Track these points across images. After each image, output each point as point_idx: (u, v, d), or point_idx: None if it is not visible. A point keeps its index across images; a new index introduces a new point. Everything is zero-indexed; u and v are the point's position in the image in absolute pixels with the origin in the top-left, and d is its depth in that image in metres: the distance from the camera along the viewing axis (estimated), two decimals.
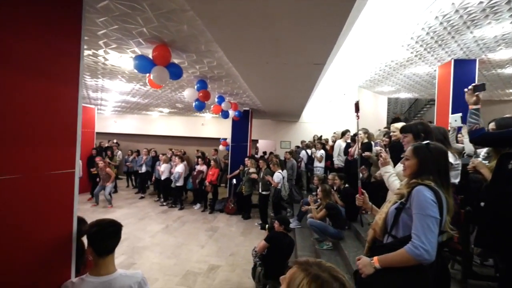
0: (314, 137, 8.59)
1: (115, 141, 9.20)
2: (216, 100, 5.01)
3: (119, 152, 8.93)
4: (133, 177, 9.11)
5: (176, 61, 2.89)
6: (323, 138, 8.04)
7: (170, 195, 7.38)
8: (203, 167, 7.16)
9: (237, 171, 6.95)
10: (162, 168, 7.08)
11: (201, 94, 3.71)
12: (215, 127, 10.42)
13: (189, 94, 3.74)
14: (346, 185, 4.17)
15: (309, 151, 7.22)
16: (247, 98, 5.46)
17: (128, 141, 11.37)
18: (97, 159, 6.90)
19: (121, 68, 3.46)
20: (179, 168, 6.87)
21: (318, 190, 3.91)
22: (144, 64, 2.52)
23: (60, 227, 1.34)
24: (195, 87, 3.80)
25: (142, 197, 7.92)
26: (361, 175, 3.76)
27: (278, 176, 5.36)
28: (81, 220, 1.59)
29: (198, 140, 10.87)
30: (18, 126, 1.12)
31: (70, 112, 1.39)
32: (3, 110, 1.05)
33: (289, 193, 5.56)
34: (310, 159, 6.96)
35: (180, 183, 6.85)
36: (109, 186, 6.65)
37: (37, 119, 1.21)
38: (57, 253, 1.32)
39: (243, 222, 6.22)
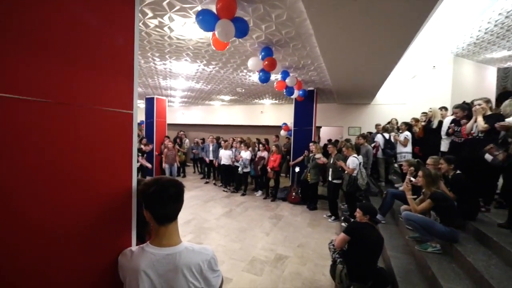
0: (391, 120, 7.19)
1: (181, 132, 9.90)
2: (280, 75, 4.54)
3: (187, 141, 9.55)
4: (198, 164, 9.62)
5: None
6: (400, 122, 6.67)
7: (233, 180, 7.39)
8: (264, 153, 6.86)
9: (300, 158, 6.38)
10: (222, 154, 7.11)
11: (266, 62, 3.29)
12: (274, 114, 10.04)
13: (253, 63, 3.37)
14: (457, 172, 3.09)
15: (386, 134, 6.02)
16: (314, 72, 4.78)
17: (194, 131, 12.16)
18: (166, 141, 7.44)
19: (186, 42, 3.33)
20: (247, 154, 6.74)
21: (418, 176, 3.00)
22: (207, 19, 2.23)
23: (118, 180, 1.08)
24: (260, 56, 3.40)
25: (206, 182, 8.23)
26: (490, 157, 2.70)
27: (354, 161, 4.54)
28: (139, 180, 1.30)
29: (258, 128, 10.72)
30: (66, 37, 0.86)
31: (126, 43, 1.10)
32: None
33: (367, 182, 4.67)
34: (388, 143, 5.79)
35: (247, 169, 6.74)
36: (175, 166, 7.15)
37: (91, 37, 0.95)
38: (116, 212, 1.07)
39: (309, 213, 5.64)
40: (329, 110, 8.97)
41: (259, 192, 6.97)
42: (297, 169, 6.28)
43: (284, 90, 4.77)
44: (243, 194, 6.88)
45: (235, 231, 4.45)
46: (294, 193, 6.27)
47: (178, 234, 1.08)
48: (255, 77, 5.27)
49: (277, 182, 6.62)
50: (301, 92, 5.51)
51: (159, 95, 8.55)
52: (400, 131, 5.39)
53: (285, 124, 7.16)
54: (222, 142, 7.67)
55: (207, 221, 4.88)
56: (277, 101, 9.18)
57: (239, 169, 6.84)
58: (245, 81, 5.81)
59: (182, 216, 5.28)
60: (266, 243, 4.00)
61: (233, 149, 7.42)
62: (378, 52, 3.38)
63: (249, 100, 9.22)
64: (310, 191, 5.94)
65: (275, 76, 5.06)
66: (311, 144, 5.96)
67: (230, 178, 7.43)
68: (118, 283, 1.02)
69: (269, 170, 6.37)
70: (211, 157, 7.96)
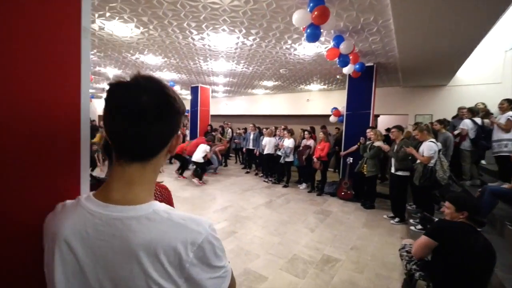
0: (477, 105, 5.53)
1: (225, 122, 9.81)
2: (332, 41, 3.76)
3: (229, 130, 9.40)
4: (240, 154, 9.38)
5: None
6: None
7: (274, 171, 6.85)
8: (310, 142, 6.11)
9: (354, 147, 5.42)
10: (265, 142, 6.60)
11: (316, 12, 2.60)
12: (322, 102, 9.07)
13: (299, 16, 2.72)
14: None
15: (477, 119, 4.60)
16: (377, 36, 3.84)
17: (237, 122, 12.01)
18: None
19: (221, 1, 2.91)
20: (289, 142, 6.13)
21: None
22: None
23: (60, 96, 0.64)
24: (307, 9, 2.73)
25: (247, 172, 7.87)
26: None
27: (431, 147, 3.46)
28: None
29: (303, 118, 9.90)
30: None
31: None
32: None
33: (449, 176, 3.53)
34: (483, 131, 4.39)
35: (290, 158, 6.13)
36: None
37: None
38: (59, 147, 0.63)
39: (364, 211, 4.70)
40: (390, 95, 7.60)
41: (303, 185, 6.26)
42: (349, 160, 5.35)
43: (337, 60, 3.96)
44: (285, 186, 6.27)
45: (274, 223, 3.90)
46: (345, 188, 5.37)
47: (150, 188, 0.58)
48: (300, 50, 4.59)
49: (324, 174, 5.80)
50: (357, 66, 4.59)
51: (203, 83, 8.55)
52: (502, 110, 3.97)
53: (335, 108, 6.25)
54: (264, 129, 7.19)
55: (245, 209, 4.46)
56: (325, 86, 8.22)
57: (281, 158, 6.25)
58: (289, 58, 5.17)
59: (218, 203, 5.03)
60: (310, 240, 3.34)
61: (276, 137, 6.88)
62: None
63: (294, 86, 8.50)
64: (366, 186, 4.97)
65: (325, 46, 4.28)
66: (368, 130, 4.97)
67: (271, 168, 6.90)
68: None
69: (315, 160, 5.61)
70: (251, 146, 7.56)
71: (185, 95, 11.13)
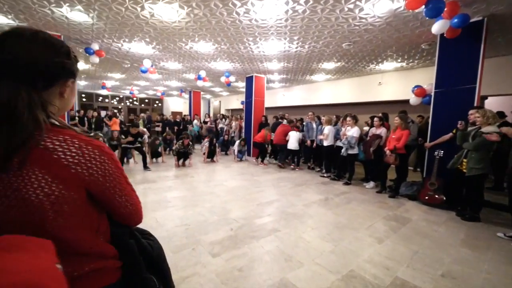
0: None
1: (281, 114, 9.28)
2: None
3: (284, 121, 8.80)
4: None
5: None
6: None
7: (334, 165, 5.92)
8: (381, 130, 4.93)
9: (447, 136, 4.02)
10: (326, 131, 5.72)
11: None
12: (398, 85, 7.38)
13: None
14: None
15: None
16: None
17: (295, 113, 11.27)
18: None
19: None
20: (354, 131, 5.14)
21: None
22: None
23: None
24: None
25: (311, 167, 7.12)
26: None
27: None
28: None
29: (373, 106, 8.36)
30: None
31: None
32: None
33: None
34: None
35: (354, 150, 5.15)
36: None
37: None
38: None
39: (463, 224, 3.37)
40: (506, 68, 5.46)
41: (371, 183, 5.13)
42: (439, 154, 3.99)
43: (423, 9, 2.84)
44: (346, 183, 5.29)
45: (328, 225, 3.16)
46: (431, 190, 4.05)
47: None
48: (368, 9, 3.59)
49: (402, 171, 4.56)
50: (456, 21, 3.25)
51: (257, 72, 8.22)
52: None
53: (418, 87, 4.80)
54: (322, 117, 6.30)
55: (293, 205, 3.85)
56: (403, 63, 6.59)
57: (342, 150, 5.29)
58: (354, 25, 4.19)
59: (264, 196, 4.56)
60: (376, 254, 2.48)
61: (338, 126, 5.92)
62: None
63: (361, 67, 7.18)
64: (467, 189, 3.58)
65: None
66: (472, 111, 3.55)
67: (331, 162, 5.99)
68: None
69: (387, 152, 4.45)
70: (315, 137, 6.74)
71: (242, 88, 11.12)
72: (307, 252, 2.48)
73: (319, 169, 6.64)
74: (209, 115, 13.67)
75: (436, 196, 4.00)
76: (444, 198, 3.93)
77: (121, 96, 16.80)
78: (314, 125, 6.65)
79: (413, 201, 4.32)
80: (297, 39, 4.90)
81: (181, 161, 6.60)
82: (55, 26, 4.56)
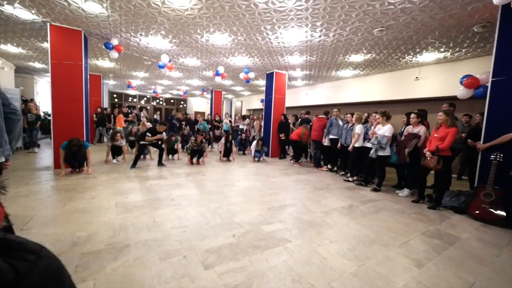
0: None
1: (302, 113, 8.71)
2: None
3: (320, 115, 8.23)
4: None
5: None
6: None
7: (361, 169, 5.24)
8: (419, 128, 4.19)
9: (508, 136, 3.20)
10: (358, 130, 5.06)
11: None
12: (439, 79, 6.40)
13: None
14: None
15: None
16: None
17: (319, 113, 10.59)
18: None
19: None
20: (386, 129, 4.46)
21: None
22: None
23: None
24: None
25: (330, 169, 6.48)
26: None
27: None
28: None
29: (408, 104, 7.41)
30: None
31: None
32: None
33: None
34: None
35: (385, 152, 4.46)
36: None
37: None
38: None
39: None
40: None
41: (405, 191, 4.39)
42: (496, 157, 3.20)
43: None
44: (375, 190, 4.60)
45: (351, 238, 2.61)
46: (486, 203, 3.25)
47: None
48: None
49: (444, 177, 3.79)
50: None
51: (278, 68, 7.78)
52: None
53: (467, 77, 3.95)
54: (349, 115, 5.66)
55: (310, 212, 3.33)
56: (448, 53, 5.66)
57: (371, 152, 4.62)
58: (386, 3, 3.57)
59: (278, 199, 4.08)
60: (415, 283, 1.90)
61: (367, 125, 5.24)
62: None
63: (394, 60, 6.38)
64: None
65: None
66: None
67: (358, 165, 5.31)
68: None
69: (427, 154, 3.72)
70: (337, 135, 6.09)
71: (263, 87, 10.71)
72: (322, 272, 1.98)
73: (342, 172, 5.97)
74: (230, 114, 13.52)
75: (493, 210, 3.20)
76: (504, 214, 3.12)
77: (148, 96, 17.46)
78: (340, 122, 6.01)
79: (460, 214, 3.53)
80: (320, 25, 4.38)
81: (195, 159, 6.39)
82: (75, 20, 4.61)
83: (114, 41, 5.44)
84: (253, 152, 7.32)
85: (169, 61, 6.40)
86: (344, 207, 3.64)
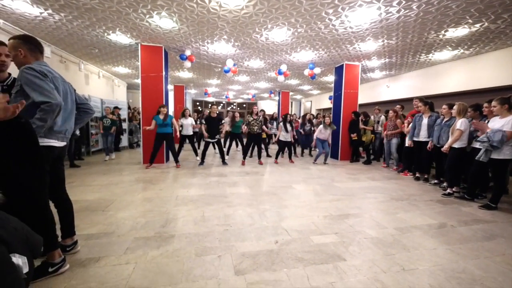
0: None
1: (377, 108, 7.41)
2: None
3: (382, 117, 6.94)
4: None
5: None
6: None
7: (460, 176, 3.92)
8: None
9: None
10: (461, 126, 3.78)
11: None
12: None
13: None
14: None
15: None
16: None
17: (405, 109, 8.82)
18: None
19: None
20: (503, 123, 3.16)
21: None
22: None
23: None
24: None
25: (416, 176, 5.21)
26: None
27: None
28: None
29: None
30: None
31: None
32: None
33: None
34: None
35: (504, 154, 3.17)
36: None
37: None
38: None
39: None
40: None
41: None
42: None
43: None
44: (487, 206, 3.30)
45: (438, 271, 1.87)
46: None
47: None
48: None
49: None
50: None
51: (349, 60, 6.91)
52: None
53: None
54: (445, 107, 4.36)
55: (380, 227, 2.64)
56: None
57: (480, 153, 3.35)
58: None
59: (338, 206, 3.42)
60: None
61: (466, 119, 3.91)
62: None
63: None
64: None
65: None
66: None
67: (459, 170, 4.00)
68: None
69: None
70: (422, 137, 4.83)
71: (331, 84, 9.81)
72: None
73: (436, 181, 4.65)
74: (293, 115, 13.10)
75: None
76: None
77: (223, 102, 19.17)
78: (425, 120, 4.74)
79: None
80: None
81: (249, 159, 6.39)
82: (157, 38, 5.43)
83: (187, 52, 6.12)
84: (315, 137, 6.47)
85: (234, 65, 6.70)
86: (432, 225, 2.73)
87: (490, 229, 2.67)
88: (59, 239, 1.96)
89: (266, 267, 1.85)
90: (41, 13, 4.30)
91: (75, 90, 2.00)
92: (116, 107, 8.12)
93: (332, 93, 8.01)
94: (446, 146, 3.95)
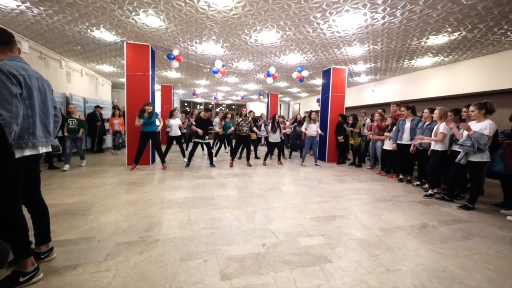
0: None
1: (362, 111, 7.62)
2: None
3: (368, 120, 7.13)
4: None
5: None
6: None
7: (442, 177, 4.08)
8: None
9: None
10: (444, 129, 3.93)
11: None
12: None
13: None
14: None
15: None
16: None
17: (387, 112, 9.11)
18: None
19: None
20: (485, 126, 3.29)
21: None
22: None
23: None
24: None
25: (400, 178, 5.35)
26: None
27: None
28: None
29: None
30: None
31: None
32: None
33: None
34: None
35: (482, 157, 3.28)
36: None
37: None
38: None
39: None
40: None
41: None
42: None
43: None
44: (465, 207, 3.46)
45: (420, 271, 1.92)
46: None
47: None
48: None
49: None
50: None
51: (336, 64, 7.05)
52: None
53: None
54: (427, 111, 4.53)
55: (365, 228, 2.69)
56: None
57: (459, 156, 3.50)
58: None
59: (325, 208, 3.55)
60: None
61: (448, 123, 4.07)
62: None
63: (497, 37, 4.79)
64: None
65: None
66: None
67: (441, 172, 4.15)
68: None
69: None
70: (404, 140, 5.01)
71: (319, 87, 9.99)
72: None
73: (418, 182, 4.81)
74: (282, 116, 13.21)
75: None
76: None
77: (212, 103, 18.99)
78: (408, 124, 4.92)
79: None
80: (383, 2, 3.64)
81: (238, 159, 6.37)
82: (143, 36, 5.30)
83: (175, 52, 6.01)
84: (305, 129, 6.58)
85: (222, 66, 6.65)
86: (414, 226, 2.81)
87: (467, 228, 2.79)
88: (33, 245, 1.85)
89: (253, 271, 1.83)
90: (18, 6, 4.08)
91: (52, 90, 1.89)
92: (97, 106, 7.84)
93: (319, 96, 8.14)
94: (426, 140, 4.13)
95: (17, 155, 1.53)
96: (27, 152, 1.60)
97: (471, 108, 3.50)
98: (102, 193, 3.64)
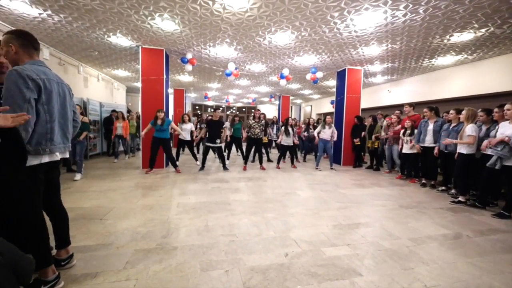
0: None
1: (379, 113, 7.36)
2: None
3: (384, 122, 6.86)
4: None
5: None
6: None
7: (473, 183, 3.82)
8: None
9: None
10: (470, 131, 3.68)
11: None
12: None
13: None
14: None
15: None
16: None
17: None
18: None
19: None
20: None
21: None
22: None
23: None
24: None
25: (423, 182, 5.06)
26: None
27: None
28: None
29: None
30: None
31: None
32: None
33: None
34: None
35: None
36: None
37: None
38: None
39: None
40: None
41: None
42: None
43: None
44: (501, 215, 3.20)
45: (460, 286, 1.74)
46: None
47: None
48: None
49: None
50: None
51: (351, 64, 6.86)
52: None
53: None
54: (453, 112, 4.28)
55: (393, 237, 2.51)
56: None
57: (491, 160, 3.25)
58: None
59: (347, 215, 3.43)
60: None
61: (480, 124, 3.82)
62: None
63: None
64: None
65: None
66: None
67: (468, 177, 3.89)
68: None
69: None
70: (427, 143, 4.75)
71: (333, 88, 9.80)
72: None
73: (443, 187, 4.54)
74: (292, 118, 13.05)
75: None
76: None
77: (223, 106, 19.08)
78: (431, 126, 4.68)
79: None
80: None
81: (251, 163, 6.27)
82: (158, 40, 5.34)
83: (189, 55, 6.03)
84: (316, 135, 6.44)
85: (236, 68, 6.61)
86: (447, 236, 2.61)
87: (507, 239, 2.56)
88: (53, 251, 1.82)
89: (278, 284, 1.71)
90: (40, 14, 4.20)
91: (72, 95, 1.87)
92: (114, 111, 8.00)
93: (333, 98, 7.96)
94: (455, 141, 3.89)
95: (35, 162, 1.50)
96: (46, 159, 1.57)
97: (507, 106, 3.25)
98: (118, 197, 3.64)
